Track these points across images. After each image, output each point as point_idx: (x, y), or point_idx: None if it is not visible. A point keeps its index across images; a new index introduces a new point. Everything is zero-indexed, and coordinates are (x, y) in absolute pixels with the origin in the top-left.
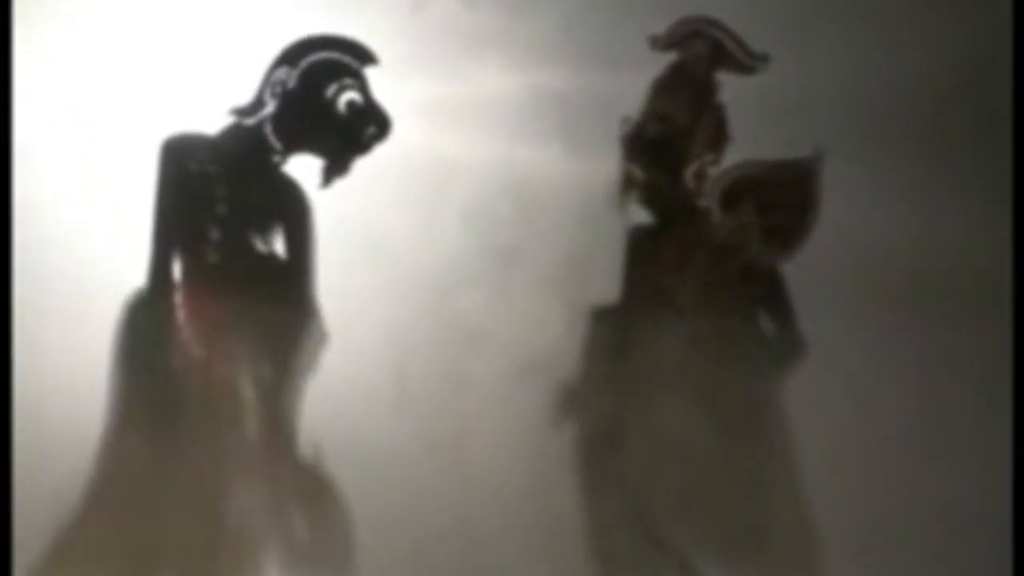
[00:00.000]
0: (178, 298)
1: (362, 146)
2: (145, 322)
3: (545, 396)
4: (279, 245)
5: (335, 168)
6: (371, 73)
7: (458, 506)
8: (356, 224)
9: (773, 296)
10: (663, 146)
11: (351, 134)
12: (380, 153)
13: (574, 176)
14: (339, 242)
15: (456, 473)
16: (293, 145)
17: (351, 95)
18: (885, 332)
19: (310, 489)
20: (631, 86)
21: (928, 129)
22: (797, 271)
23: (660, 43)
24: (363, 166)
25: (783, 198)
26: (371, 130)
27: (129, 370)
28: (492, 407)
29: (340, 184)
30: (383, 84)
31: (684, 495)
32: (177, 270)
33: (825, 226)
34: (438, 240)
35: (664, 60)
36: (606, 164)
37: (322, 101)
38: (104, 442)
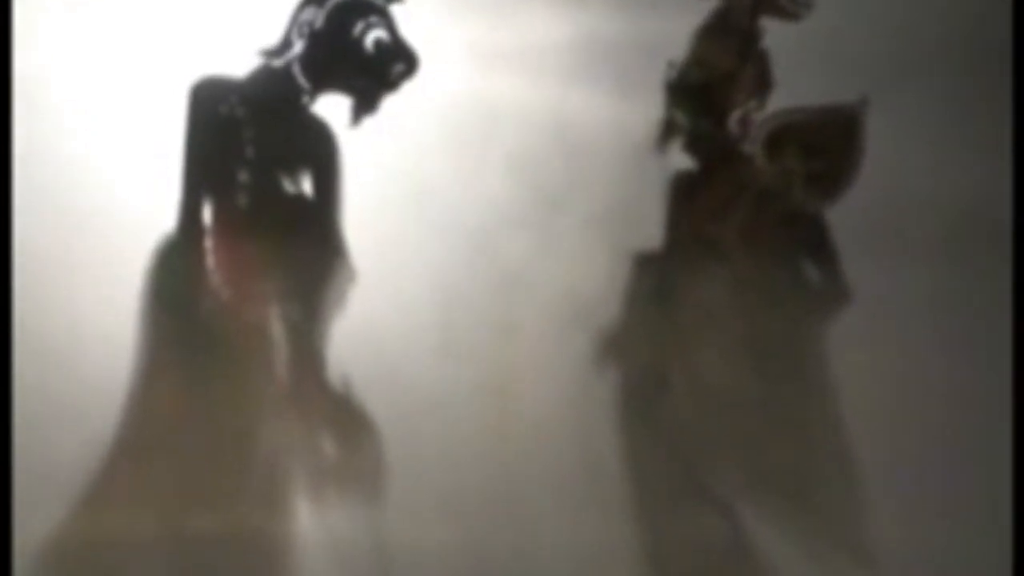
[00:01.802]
0: (208, 242)
1: (390, 83)
2: (175, 266)
3: (589, 342)
4: (307, 185)
5: (364, 106)
6: (418, 17)
7: (502, 452)
8: (401, 169)
9: (817, 242)
10: (707, 92)
11: (379, 72)
12: (426, 98)
13: (620, 122)
14: (384, 187)
15: (500, 419)
16: (321, 84)
17: (378, 33)
18: (927, 278)
19: (342, 422)
20: (678, 32)
21: (973, 75)
22: (840, 217)
23: None
24: (409, 112)
25: (827, 144)
26: (399, 67)
27: (160, 314)
28: (536, 353)
29: (386, 130)
30: (430, 28)
31: (726, 441)
32: (207, 214)
33: (869, 172)
34: (483, 185)
35: (708, 6)
36: (653, 110)
37: (349, 40)
38: (135, 385)
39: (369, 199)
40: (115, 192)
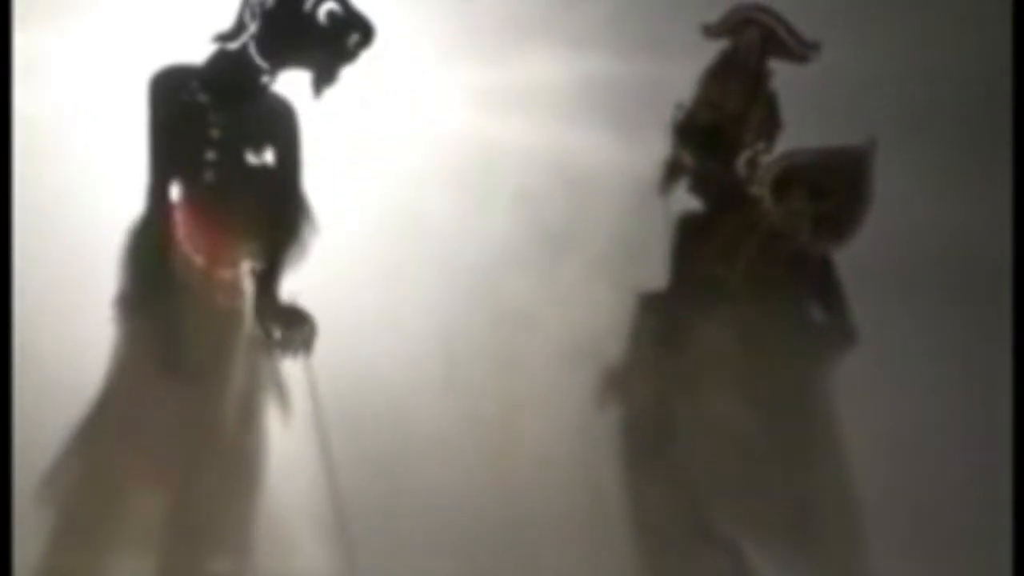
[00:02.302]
0: (178, 216)
1: (348, 54)
2: (147, 242)
3: (592, 380)
4: (269, 157)
5: (324, 78)
6: (422, 59)
7: (504, 487)
8: (404, 207)
9: (823, 284)
10: (715, 133)
11: (335, 44)
12: (429, 137)
13: (623, 162)
14: (387, 225)
15: (502, 455)
16: (279, 62)
17: (330, 5)
18: (934, 321)
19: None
20: (681, 73)
21: (977, 119)
22: (847, 259)
23: (713, 30)
24: (412, 151)
25: (834, 186)
26: (354, 37)
27: (135, 287)
28: (539, 390)
29: (390, 169)
30: (433, 68)
31: (730, 480)
32: (175, 192)
33: (875, 214)
34: (487, 225)
35: (714, 48)
36: (655, 151)
37: (302, 15)
38: (114, 358)
39: (372, 236)
40: (84, 185)
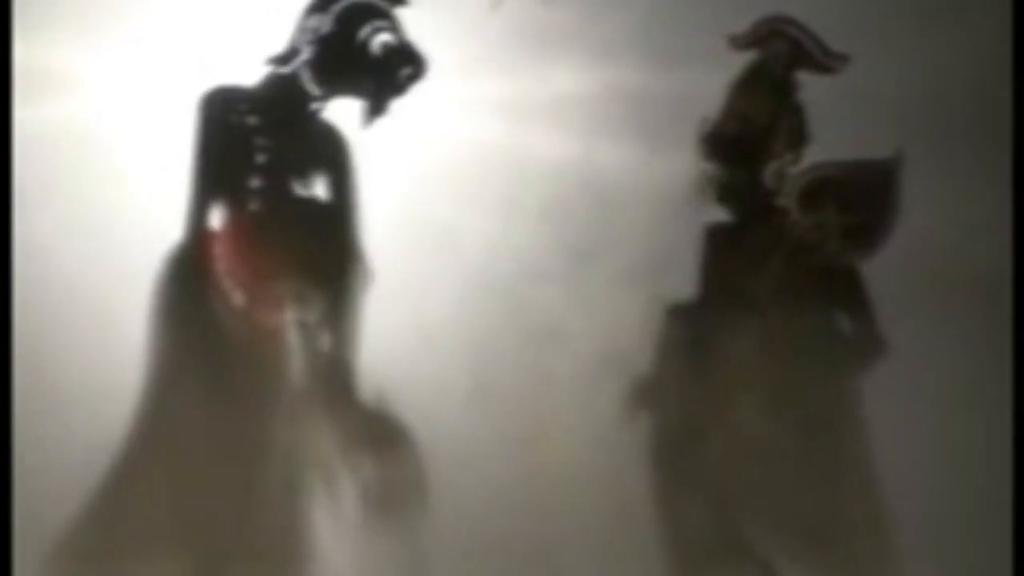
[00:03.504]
0: (218, 248)
1: (399, 87)
2: (185, 272)
3: (621, 393)
4: (320, 189)
5: (374, 109)
6: (447, 71)
7: (535, 502)
8: (432, 222)
9: (851, 296)
10: (742, 145)
11: (387, 75)
12: (456, 151)
13: (651, 174)
14: (414, 239)
15: (533, 469)
16: (331, 90)
17: (384, 36)
18: (961, 332)
19: (375, 432)
20: (708, 85)
21: (1008, 131)
22: (875, 270)
23: (740, 42)
24: (438, 164)
25: (862, 198)
26: (407, 71)
27: (170, 322)
28: (569, 404)
29: (416, 182)
30: (458, 81)
31: (760, 492)
32: (217, 220)
33: (903, 226)
34: (515, 237)
35: (741, 59)
36: (683, 162)
37: (356, 44)
38: (147, 396)
39: (398, 251)
40: (127, 203)
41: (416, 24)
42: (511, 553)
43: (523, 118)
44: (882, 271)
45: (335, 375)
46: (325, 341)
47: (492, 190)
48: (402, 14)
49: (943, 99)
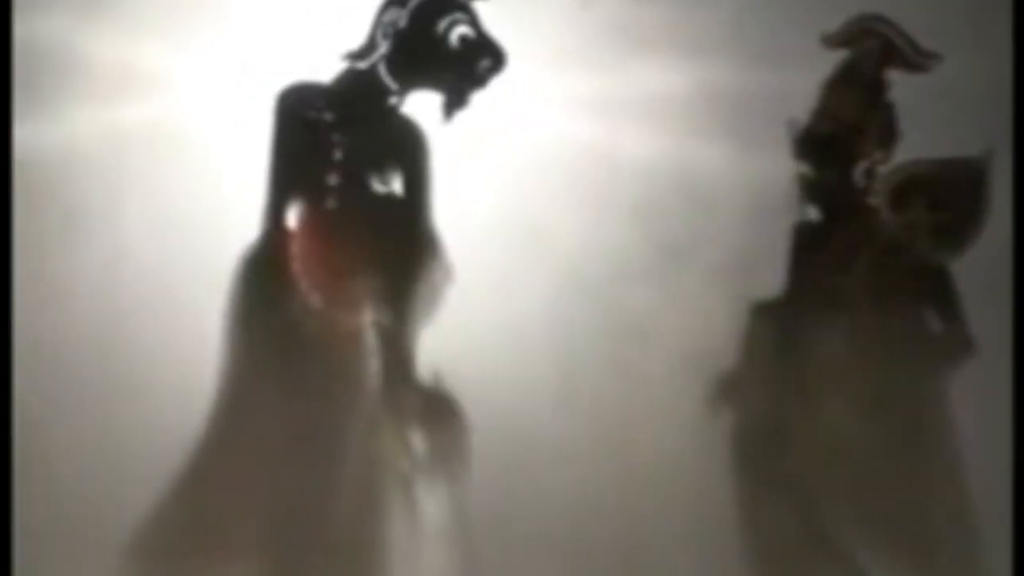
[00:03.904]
0: (295, 247)
1: (478, 79)
2: (262, 273)
3: (710, 392)
4: (397, 185)
5: (454, 102)
6: (539, 69)
7: (623, 501)
8: (523, 221)
9: (941, 295)
10: (833, 144)
11: (466, 68)
12: (546, 149)
13: (742, 173)
14: (505, 238)
15: (622, 468)
16: (409, 83)
17: (462, 29)
18: None
19: (439, 425)
20: (799, 83)
21: None
22: (965, 269)
23: (832, 41)
24: (530, 162)
25: (953, 197)
26: (485, 63)
27: (248, 323)
28: (658, 403)
29: (508, 181)
30: (551, 79)
31: (847, 491)
32: (294, 219)
33: (994, 224)
34: (606, 236)
35: (832, 58)
36: (774, 161)
37: (434, 37)
38: (224, 396)
39: (489, 249)
40: (202, 200)
41: (506, 19)
42: (598, 554)
43: (614, 116)
44: (973, 269)
45: (408, 372)
46: (402, 339)
47: (583, 188)
48: (492, 8)
49: None
